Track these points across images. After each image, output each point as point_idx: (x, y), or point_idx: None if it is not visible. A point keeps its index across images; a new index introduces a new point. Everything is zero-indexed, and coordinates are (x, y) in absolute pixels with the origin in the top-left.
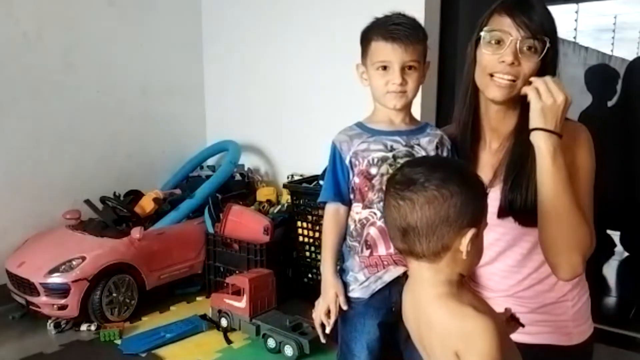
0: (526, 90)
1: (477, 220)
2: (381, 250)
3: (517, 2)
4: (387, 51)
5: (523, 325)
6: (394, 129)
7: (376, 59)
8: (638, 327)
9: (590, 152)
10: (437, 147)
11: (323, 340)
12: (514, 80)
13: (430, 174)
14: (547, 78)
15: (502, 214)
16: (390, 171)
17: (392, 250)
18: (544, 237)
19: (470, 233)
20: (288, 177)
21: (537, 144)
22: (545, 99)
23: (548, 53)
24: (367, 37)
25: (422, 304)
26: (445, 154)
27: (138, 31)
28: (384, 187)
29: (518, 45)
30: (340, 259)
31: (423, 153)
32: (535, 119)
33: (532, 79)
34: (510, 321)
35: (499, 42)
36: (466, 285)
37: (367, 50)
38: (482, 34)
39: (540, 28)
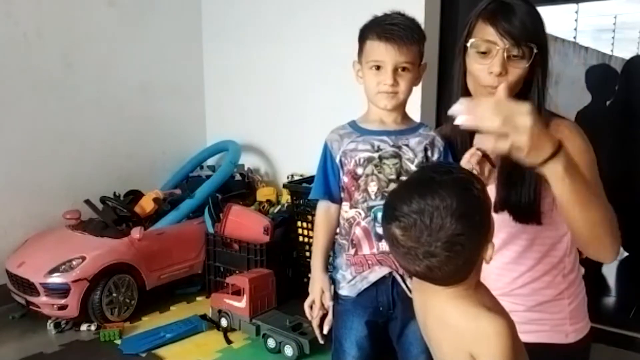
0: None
1: (490, 230)
2: (365, 250)
3: (498, 8)
4: (380, 51)
5: (494, 165)
6: (383, 128)
7: (370, 58)
8: (638, 327)
9: (584, 144)
10: (425, 149)
11: (321, 341)
12: None
13: (434, 234)
14: (495, 118)
15: (497, 208)
16: (376, 172)
17: (375, 250)
18: (582, 239)
19: (490, 248)
20: (288, 177)
21: (546, 176)
22: (515, 137)
23: (536, 58)
24: (363, 35)
25: (432, 303)
26: (436, 155)
27: (138, 31)
28: (368, 188)
29: (505, 55)
30: (332, 255)
31: (410, 154)
32: (525, 160)
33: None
34: (484, 161)
35: (485, 52)
36: (481, 284)
37: (363, 49)
38: (467, 44)
39: (525, 34)
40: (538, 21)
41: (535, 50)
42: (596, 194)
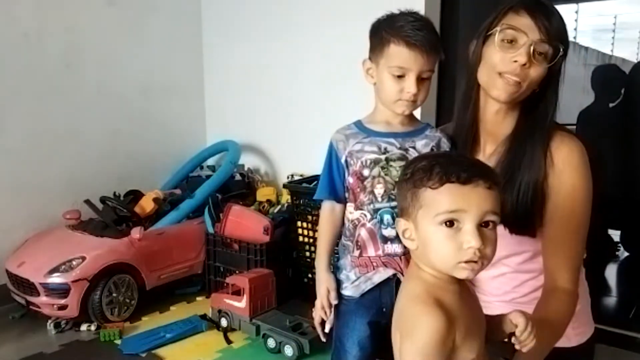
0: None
1: (407, 212)
2: (370, 251)
3: (538, 3)
4: (409, 59)
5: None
6: (390, 130)
7: (394, 64)
8: (638, 327)
9: (580, 176)
10: (432, 151)
11: (323, 339)
12: (520, 83)
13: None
14: None
15: None
16: (382, 174)
17: (380, 252)
18: None
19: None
20: (288, 177)
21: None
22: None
23: (558, 61)
24: (384, 36)
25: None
26: None
27: (138, 31)
28: (374, 190)
29: (532, 48)
30: (335, 255)
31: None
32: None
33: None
34: (505, 344)
35: (511, 41)
36: (450, 286)
37: (383, 51)
38: (496, 29)
39: (557, 34)
40: (567, 31)
41: (561, 52)
42: (562, 301)
